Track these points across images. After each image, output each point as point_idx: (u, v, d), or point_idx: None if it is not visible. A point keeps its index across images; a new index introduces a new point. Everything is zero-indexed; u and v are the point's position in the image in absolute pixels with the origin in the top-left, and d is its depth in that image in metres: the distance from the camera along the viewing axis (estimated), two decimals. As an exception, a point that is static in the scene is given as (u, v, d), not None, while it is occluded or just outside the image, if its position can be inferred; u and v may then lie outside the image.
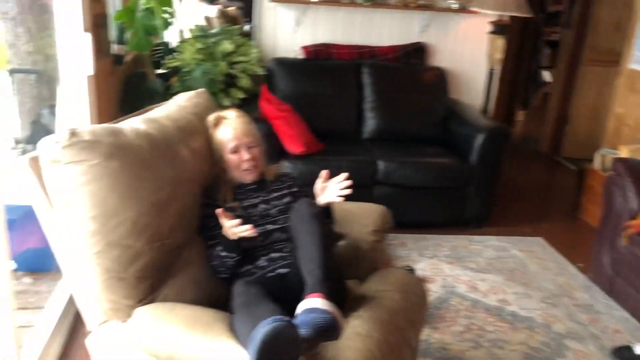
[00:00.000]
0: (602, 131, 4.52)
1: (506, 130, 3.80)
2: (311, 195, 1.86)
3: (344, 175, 1.79)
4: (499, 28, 4.18)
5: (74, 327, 2.45)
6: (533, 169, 5.48)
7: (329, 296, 1.49)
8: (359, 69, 4.09)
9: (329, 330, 1.41)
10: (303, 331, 1.38)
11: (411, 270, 2.99)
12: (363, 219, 2.08)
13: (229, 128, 1.95)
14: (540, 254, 3.52)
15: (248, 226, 1.66)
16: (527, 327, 2.70)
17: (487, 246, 3.58)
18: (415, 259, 3.32)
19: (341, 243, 2.03)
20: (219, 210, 1.69)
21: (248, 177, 1.96)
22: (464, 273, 3.20)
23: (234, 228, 1.66)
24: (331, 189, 1.80)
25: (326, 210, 1.85)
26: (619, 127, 4.29)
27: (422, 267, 3.21)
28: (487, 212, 3.83)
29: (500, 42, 4.19)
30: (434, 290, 2.97)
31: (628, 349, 2.50)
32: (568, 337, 2.64)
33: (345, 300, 1.71)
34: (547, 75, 7.18)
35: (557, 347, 2.56)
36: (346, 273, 1.97)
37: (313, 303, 1.46)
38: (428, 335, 2.55)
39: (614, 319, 2.83)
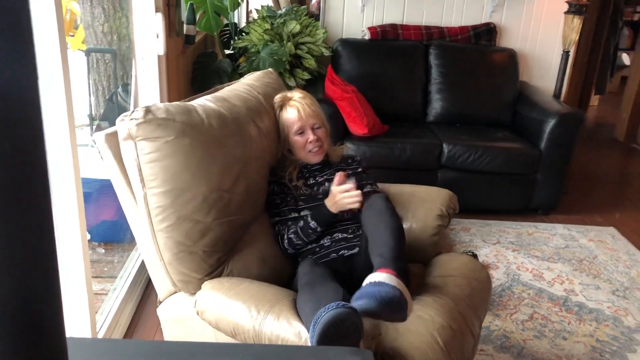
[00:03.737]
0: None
1: (579, 115, 3.64)
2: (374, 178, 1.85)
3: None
4: (577, 7, 3.99)
5: (144, 296, 2.57)
6: (607, 156, 5.24)
7: (399, 275, 1.43)
8: (426, 50, 4.02)
9: (393, 305, 1.32)
10: (364, 302, 1.31)
11: (474, 256, 2.94)
12: (429, 202, 2.05)
13: (294, 109, 1.96)
14: (611, 245, 3.38)
15: (359, 192, 1.68)
16: (594, 319, 2.61)
17: (554, 234, 3.47)
18: (478, 244, 3.26)
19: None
20: (341, 173, 1.75)
21: (314, 159, 1.98)
22: (528, 261, 3.12)
23: (346, 197, 1.70)
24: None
25: None
26: None
27: (485, 254, 3.15)
28: (556, 199, 3.71)
29: (577, 22, 4.00)
30: (497, 278, 2.91)
31: None
32: (639, 332, 2.54)
33: (409, 285, 1.70)
34: (625, 58, 6.81)
35: (627, 341, 2.46)
36: (409, 256, 1.96)
37: (380, 277, 1.39)
38: (489, 322, 2.51)
39: (690, 316, 2.70)
